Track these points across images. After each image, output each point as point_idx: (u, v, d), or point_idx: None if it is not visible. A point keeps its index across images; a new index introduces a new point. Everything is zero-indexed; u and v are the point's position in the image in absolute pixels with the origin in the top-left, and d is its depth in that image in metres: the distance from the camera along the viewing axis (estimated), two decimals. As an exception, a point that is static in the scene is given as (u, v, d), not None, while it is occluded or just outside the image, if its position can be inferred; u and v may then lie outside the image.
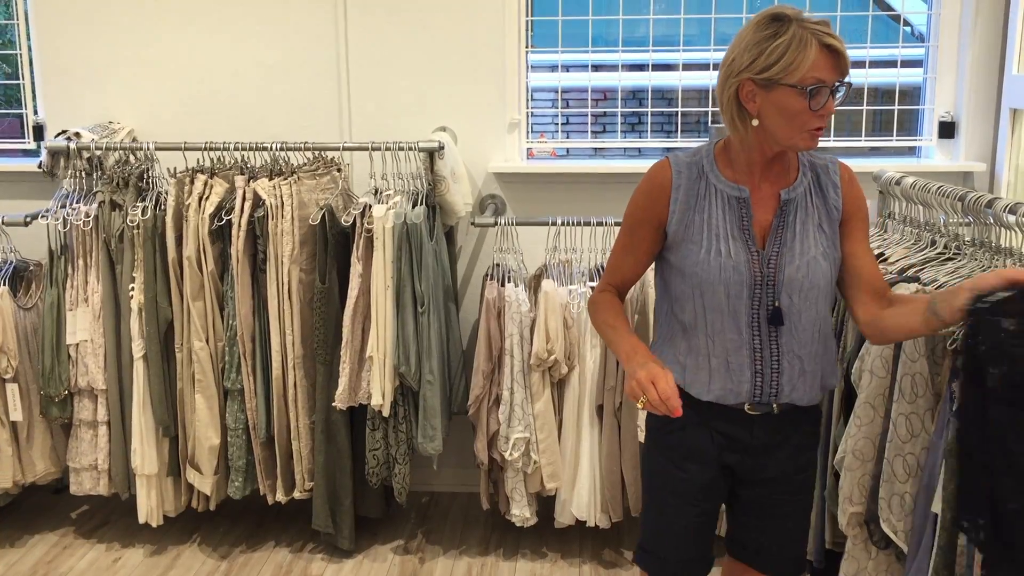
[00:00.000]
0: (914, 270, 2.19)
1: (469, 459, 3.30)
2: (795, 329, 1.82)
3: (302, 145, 3.06)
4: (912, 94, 3.46)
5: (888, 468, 2.02)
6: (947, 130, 3.31)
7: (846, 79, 1.74)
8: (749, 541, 2.01)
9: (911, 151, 3.48)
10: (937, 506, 1.87)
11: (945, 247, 2.24)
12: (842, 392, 2.26)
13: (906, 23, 3.56)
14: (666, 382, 1.69)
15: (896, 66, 3.37)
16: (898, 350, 2.02)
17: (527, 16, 3.39)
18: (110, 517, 3.44)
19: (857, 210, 1.88)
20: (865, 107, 3.37)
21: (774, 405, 1.86)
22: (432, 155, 3.07)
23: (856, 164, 3.30)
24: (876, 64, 3.37)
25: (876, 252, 2.37)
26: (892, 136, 3.42)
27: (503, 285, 3.02)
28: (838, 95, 1.73)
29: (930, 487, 1.94)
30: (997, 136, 3.20)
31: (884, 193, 2.55)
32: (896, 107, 3.38)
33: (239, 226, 2.95)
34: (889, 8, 3.92)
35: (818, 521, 2.35)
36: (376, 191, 3.08)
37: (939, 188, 2.24)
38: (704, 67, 3.38)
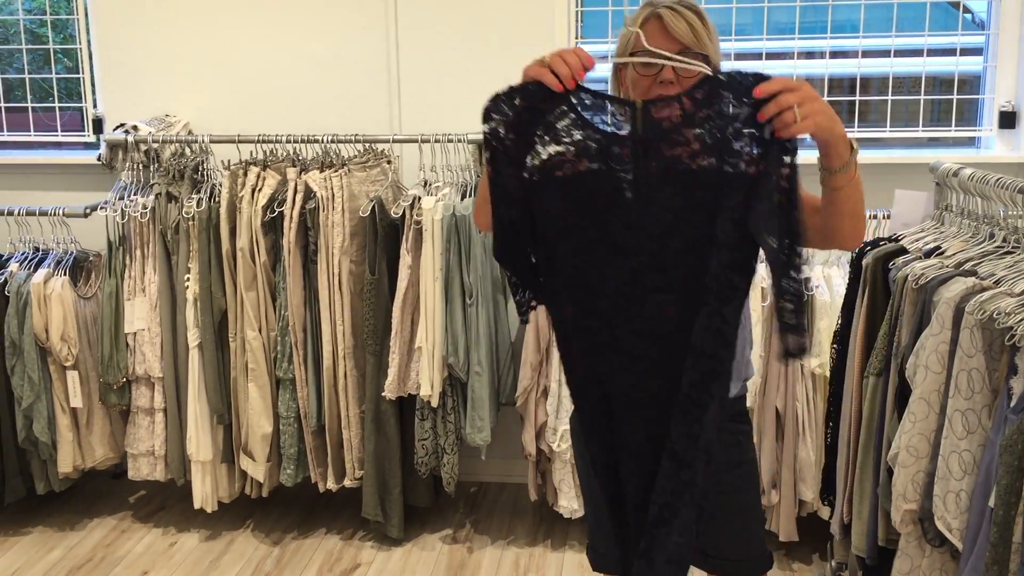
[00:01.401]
0: (971, 264, 2.14)
1: (516, 450, 3.31)
2: None
3: (352, 137, 3.09)
4: (972, 83, 3.38)
5: (943, 465, 1.98)
6: (1008, 120, 3.23)
7: (698, 51, 1.68)
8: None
9: (970, 142, 3.40)
10: (992, 502, 1.84)
11: (1004, 240, 2.19)
12: (895, 388, 2.22)
13: (966, 10, 3.47)
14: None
15: (955, 54, 3.30)
16: (954, 346, 1.98)
17: (576, 7, 3.37)
18: (166, 502, 3.52)
19: None
20: (923, 96, 3.30)
21: None
22: (481, 147, 3.07)
23: (913, 155, 3.27)
24: (934, 52, 3.30)
25: (932, 245, 2.33)
26: (951, 126, 3.34)
27: (552, 277, 3.02)
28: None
29: (986, 484, 1.91)
30: (1060, 126, 3.12)
31: (941, 185, 2.49)
32: (955, 96, 3.31)
33: (291, 218, 2.99)
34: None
35: (871, 518, 2.31)
36: (425, 183, 3.09)
37: (998, 180, 2.19)
38: (757, 56, 3.34)
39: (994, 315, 1.86)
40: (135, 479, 3.29)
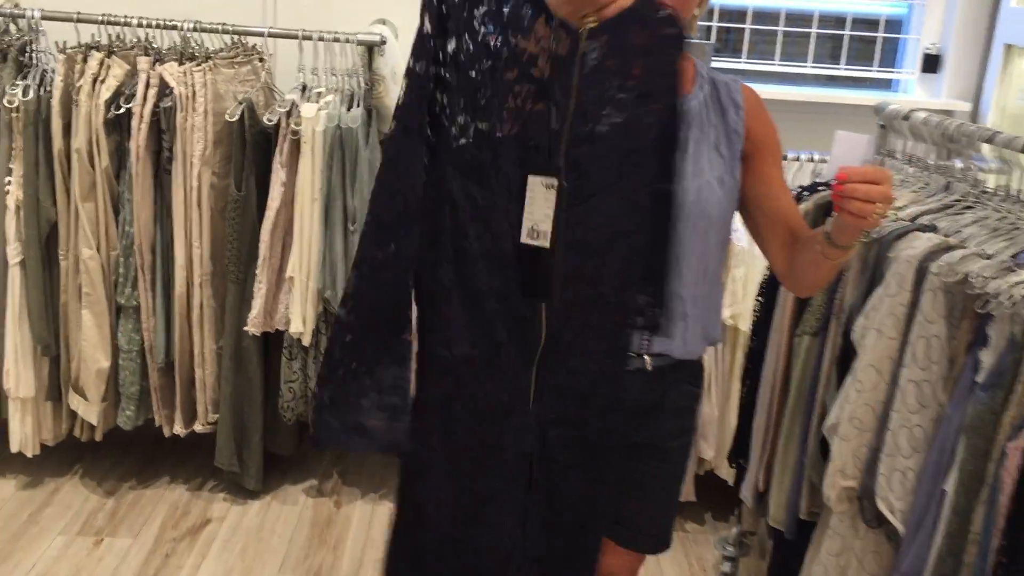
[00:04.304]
0: (929, 218, 1.93)
1: (393, 394, 2.99)
2: (677, 263, 1.51)
3: (220, 27, 2.63)
4: (892, 24, 3.19)
5: (891, 440, 1.79)
6: (931, 64, 3.07)
7: None
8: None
9: (887, 84, 3.23)
10: (950, 487, 1.66)
11: (964, 195, 1.99)
12: (835, 351, 2.01)
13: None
14: None
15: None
16: (913, 309, 1.78)
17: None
18: (-25, 444, 3.02)
19: (767, 138, 1.57)
20: (848, 32, 3.09)
21: (646, 357, 1.57)
22: (371, 50, 2.67)
23: (828, 94, 3.07)
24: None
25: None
26: (872, 66, 3.16)
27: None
28: None
29: (938, 464, 1.73)
30: (985, 73, 2.97)
31: (887, 128, 2.28)
32: (880, 34, 3.11)
33: (141, 116, 2.52)
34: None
35: (793, 489, 2.12)
36: (304, 87, 2.68)
37: (959, 127, 1.98)
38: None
39: (969, 278, 1.66)
40: (-63, 417, 2.79)
